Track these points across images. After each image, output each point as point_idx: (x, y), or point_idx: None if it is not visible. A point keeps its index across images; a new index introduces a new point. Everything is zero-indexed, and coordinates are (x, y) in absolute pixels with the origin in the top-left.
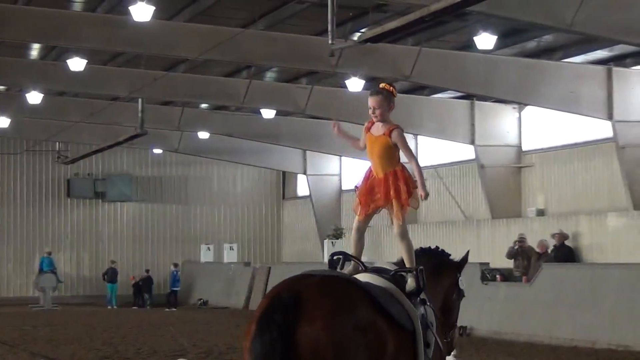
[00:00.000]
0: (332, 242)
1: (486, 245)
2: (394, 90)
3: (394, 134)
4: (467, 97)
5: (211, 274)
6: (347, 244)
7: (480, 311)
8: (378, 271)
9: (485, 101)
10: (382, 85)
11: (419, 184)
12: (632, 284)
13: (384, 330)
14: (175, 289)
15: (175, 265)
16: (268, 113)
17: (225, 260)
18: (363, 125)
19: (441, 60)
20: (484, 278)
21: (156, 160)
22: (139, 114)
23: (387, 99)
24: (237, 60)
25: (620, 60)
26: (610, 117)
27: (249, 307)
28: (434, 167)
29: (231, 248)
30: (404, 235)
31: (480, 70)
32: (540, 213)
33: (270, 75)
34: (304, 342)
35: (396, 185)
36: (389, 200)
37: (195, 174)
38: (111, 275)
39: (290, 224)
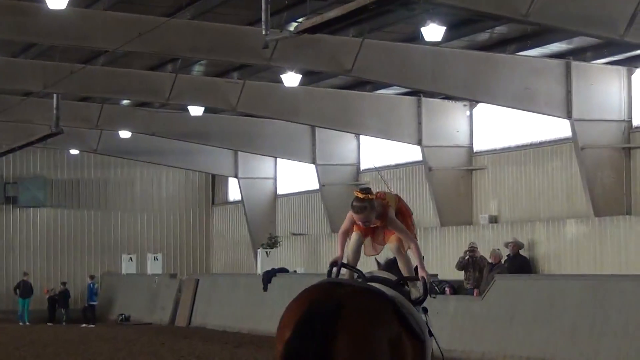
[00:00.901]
0: (267, 252)
1: (434, 255)
2: (373, 196)
3: (390, 224)
4: (414, 93)
5: (133, 287)
6: (282, 254)
7: None
8: (380, 281)
9: (433, 98)
10: (361, 196)
11: (418, 266)
12: (593, 297)
13: (406, 343)
14: (92, 303)
15: (92, 277)
16: (196, 110)
17: (149, 271)
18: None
19: (385, 53)
20: (431, 291)
21: (73, 161)
22: (54, 111)
23: (372, 208)
24: (162, 52)
25: (579, 53)
26: (569, 115)
27: (175, 322)
28: (377, 170)
29: (155, 258)
30: (399, 251)
31: (428, 64)
32: (493, 220)
33: (198, 68)
34: (343, 352)
35: (405, 222)
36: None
37: (115, 177)
38: (23, 289)
39: (220, 232)
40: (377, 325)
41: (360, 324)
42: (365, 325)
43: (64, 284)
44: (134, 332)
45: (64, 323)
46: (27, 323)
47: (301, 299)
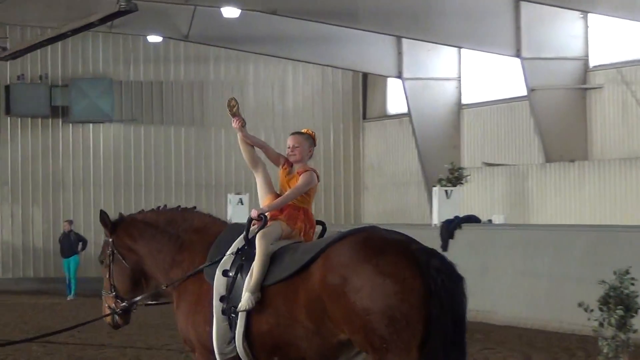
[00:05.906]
0: (447, 192)
1: None
2: (314, 137)
3: (303, 175)
4: None
5: None
6: (470, 195)
7: None
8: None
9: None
10: (304, 130)
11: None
12: None
13: None
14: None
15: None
16: None
17: None
18: None
19: None
20: None
21: (152, 54)
22: None
23: (308, 141)
24: None
25: None
26: None
27: None
28: (616, 68)
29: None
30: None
31: None
32: None
33: None
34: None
35: (310, 221)
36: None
37: (217, 77)
38: (65, 244)
39: (375, 162)
40: None
41: None
42: None
43: None
44: None
45: None
46: (72, 297)
47: (408, 250)
